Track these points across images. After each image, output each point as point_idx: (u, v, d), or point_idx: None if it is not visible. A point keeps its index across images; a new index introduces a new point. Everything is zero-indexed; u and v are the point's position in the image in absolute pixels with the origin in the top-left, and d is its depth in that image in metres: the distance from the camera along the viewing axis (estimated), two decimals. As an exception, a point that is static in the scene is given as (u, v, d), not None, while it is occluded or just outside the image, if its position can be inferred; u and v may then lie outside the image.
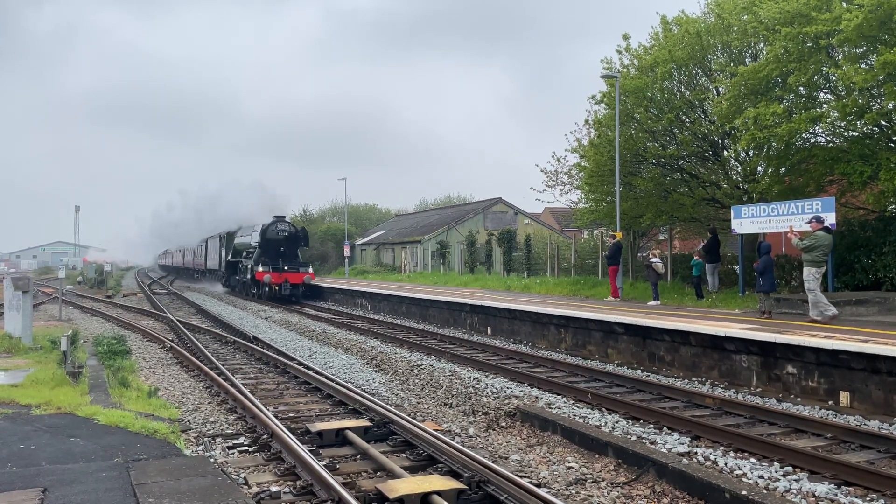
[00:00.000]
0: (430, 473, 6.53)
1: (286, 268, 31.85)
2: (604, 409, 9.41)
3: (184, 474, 5.80)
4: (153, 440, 6.96)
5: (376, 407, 8.84)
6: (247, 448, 7.63)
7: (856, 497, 6.01)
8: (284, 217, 34.73)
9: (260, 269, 31.31)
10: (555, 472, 6.99)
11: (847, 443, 7.76)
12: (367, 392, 10.79)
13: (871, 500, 5.97)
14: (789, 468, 6.75)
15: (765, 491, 6.03)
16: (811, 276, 12.61)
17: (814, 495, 6.07)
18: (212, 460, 6.79)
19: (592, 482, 6.72)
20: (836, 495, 6.04)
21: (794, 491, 6.17)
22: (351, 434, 7.79)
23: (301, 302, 31.40)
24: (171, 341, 16.40)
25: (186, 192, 59.84)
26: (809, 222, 13.28)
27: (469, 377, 11.49)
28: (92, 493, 5.25)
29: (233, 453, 7.45)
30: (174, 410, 9.13)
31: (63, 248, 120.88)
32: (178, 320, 20.84)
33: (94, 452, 6.39)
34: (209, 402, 10.15)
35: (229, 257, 38.45)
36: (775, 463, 6.90)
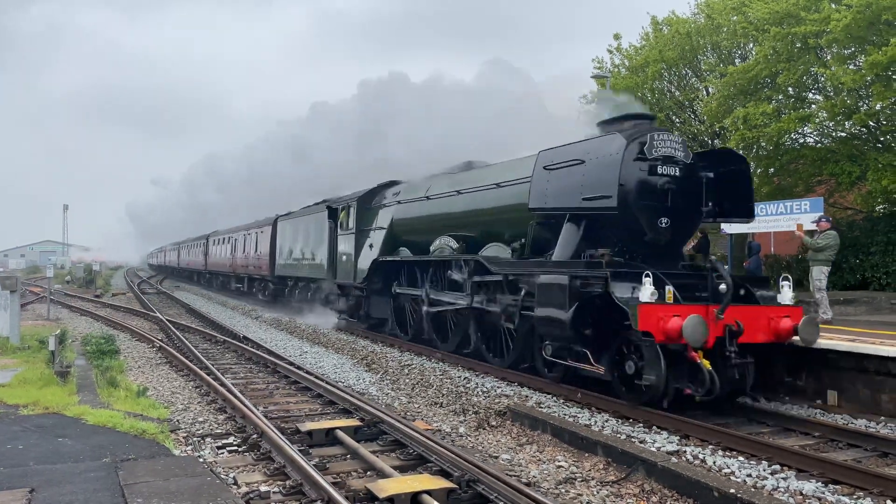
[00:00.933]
0: (420, 472, 6.53)
1: (743, 292, 9.28)
2: (593, 409, 9.43)
3: (173, 474, 5.77)
4: (142, 440, 6.93)
5: (366, 406, 8.83)
6: (236, 448, 7.60)
7: (843, 495, 6.05)
8: (652, 118, 10.48)
9: (645, 293, 8.18)
10: (545, 471, 7.01)
11: (834, 441, 7.82)
12: (357, 391, 10.78)
13: (858, 497, 6.02)
14: (777, 467, 6.79)
15: (753, 489, 6.07)
16: (823, 276, 12.54)
17: (801, 493, 6.11)
18: (201, 460, 6.77)
19: (582, 481, 6.74)
20: (823, 493, 6.09)
21: (782, 489, 6.20)
22: (341, 433, 7.78)
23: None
24: (161, 341, 16.33)
25: (164, 181, 53.97)
26: (817, 221, 13.13)
27: (459, 376, 11.50)
28: (80, 493, 5.23)
29: (222, 453, 7.42)
30: (163, 410, 9.09)
31: (51, 248, 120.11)
32: (167, 320, 20.75)
33: (83, 452, 6.35)
34: (198, 402, 10.11)
35: (378, 255, 16.02)
36: (763, 462, 6.94)
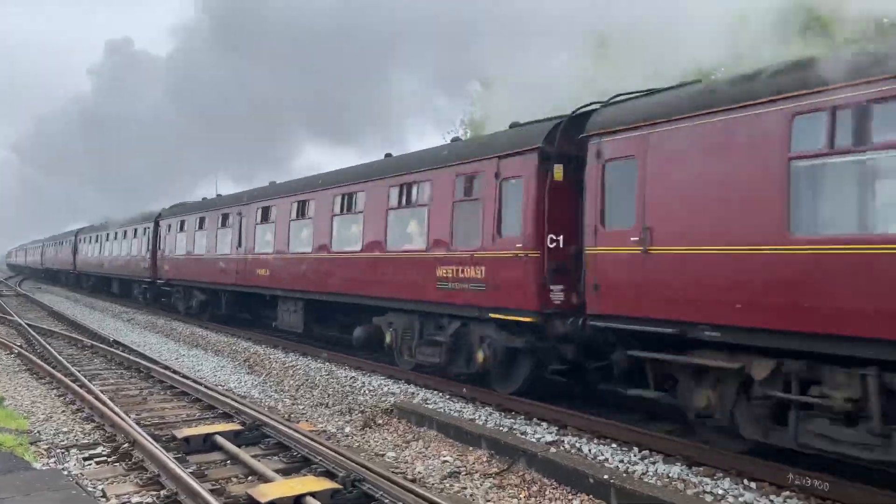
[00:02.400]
0: (305, 475, 6.45)
1: None
2: (478, 403, 9.62)
3: (33, 489, 5.39)
4: (-3, 454, 6.41)
5: (248, 410, 8.58)
6: (105, 458, 7.17)
7: (705, 476, 6.50)
8: None
9: None
10: (430, 467, 7.09)
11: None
12: (238, 395, 10.46)
13: (718, 478, 6.47)
14: (647, 452, 7.20)
15: (624, 475, 6.41)
16: None
17: (668, 476, 6.51)
18: (65, 473, 6.36)
19: (466, 474, 6.87)
20: (687, 475, 6.52)
21: (651, 473, 6.59)
22: (220, 439, 7.52)
23: None
24: (20, 347, 15.13)
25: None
26: None
27: (346, 376, 11.41)
28: (-78, 515, 4.77)
29: (89, 464, 6.99)
30: (22, 421, 8.44)
31: None
32: (27, 324, 19.24)
33: (-74, 471, 5.80)
34: (63, 411, 9.45)
35: None
36: (634, 448, 7.34)
